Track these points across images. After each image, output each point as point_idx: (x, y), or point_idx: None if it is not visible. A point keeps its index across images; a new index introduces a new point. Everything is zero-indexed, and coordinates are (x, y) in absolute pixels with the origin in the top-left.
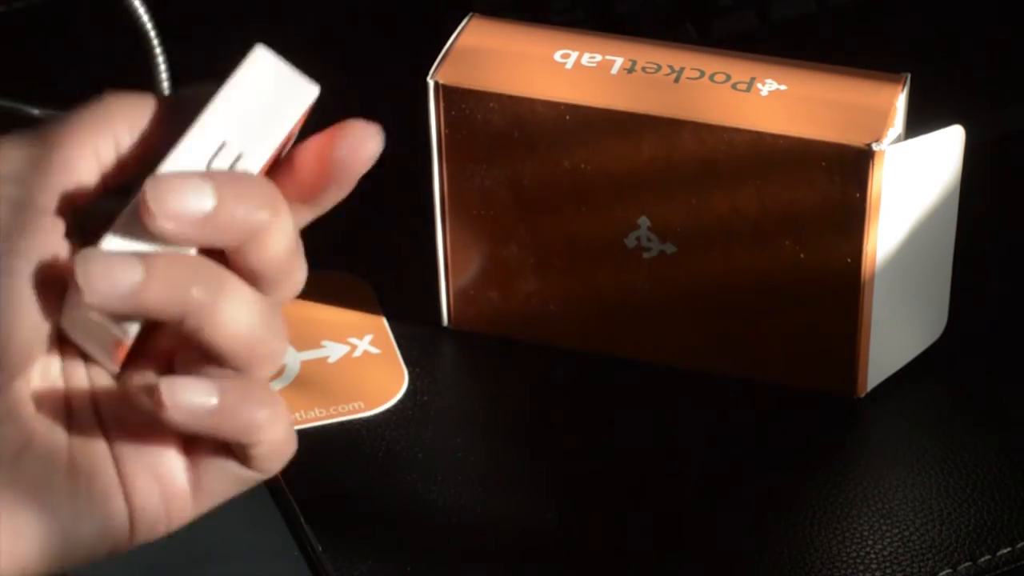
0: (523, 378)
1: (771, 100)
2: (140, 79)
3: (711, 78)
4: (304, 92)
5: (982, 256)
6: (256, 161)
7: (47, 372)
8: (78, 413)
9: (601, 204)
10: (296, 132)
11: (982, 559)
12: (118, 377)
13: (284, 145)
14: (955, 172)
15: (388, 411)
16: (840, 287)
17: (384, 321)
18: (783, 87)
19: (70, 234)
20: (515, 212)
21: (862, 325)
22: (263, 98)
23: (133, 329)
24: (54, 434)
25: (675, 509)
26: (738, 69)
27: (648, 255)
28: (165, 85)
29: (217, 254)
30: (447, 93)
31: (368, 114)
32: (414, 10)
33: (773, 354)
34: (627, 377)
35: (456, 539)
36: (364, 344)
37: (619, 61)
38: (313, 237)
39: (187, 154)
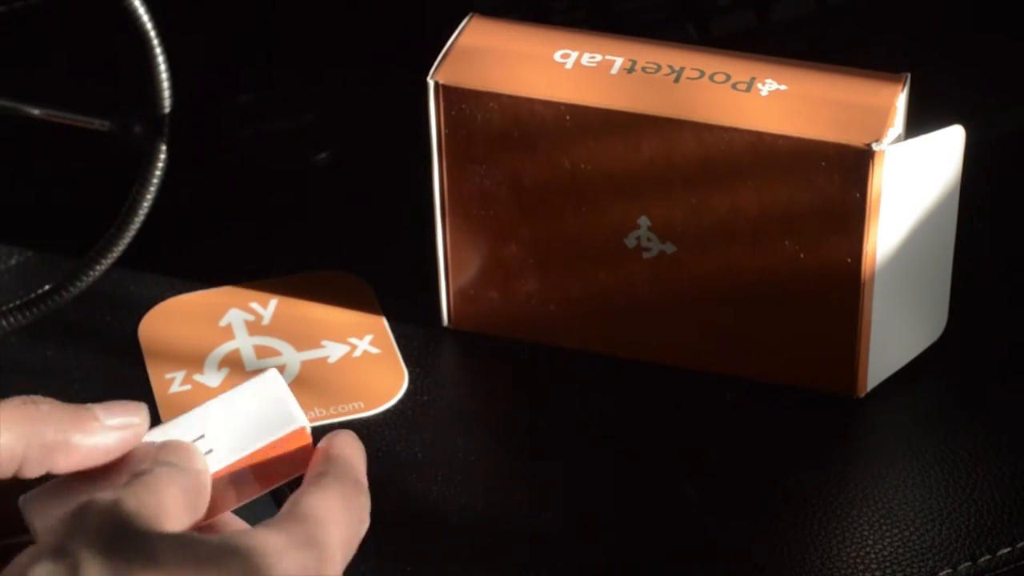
0: (523, 378)
1: (771, 100)
2: (140, 79)
3: (711, 78)
4: (291, 421)
5: (982, 256)
6: (218, 460)
7: None
8: None
9: (601, 204)
10: (287, 457)
11: (982, 559)
12: None
13: (258, 459)
14: (955, 172)
15: (388, 411)
16: (840, 287)
17: (384, 321)
18: (783, 87)
19: None
20: (515, 212)
21: (862, 325)
22: (254, 413)
23: None
24: None
25: (675, 509)
26: (738, 69)
27: (648, 255)
28: (165, 85)
29: None
30: (447, 93)
31: (368, 114)
32: (414, 10)
33: (773, 354)
34: (627, 377)
35: (456, 539)
36: (364, 344)
37: (619, 61)
38: (313, 237)
39: (162, 435)
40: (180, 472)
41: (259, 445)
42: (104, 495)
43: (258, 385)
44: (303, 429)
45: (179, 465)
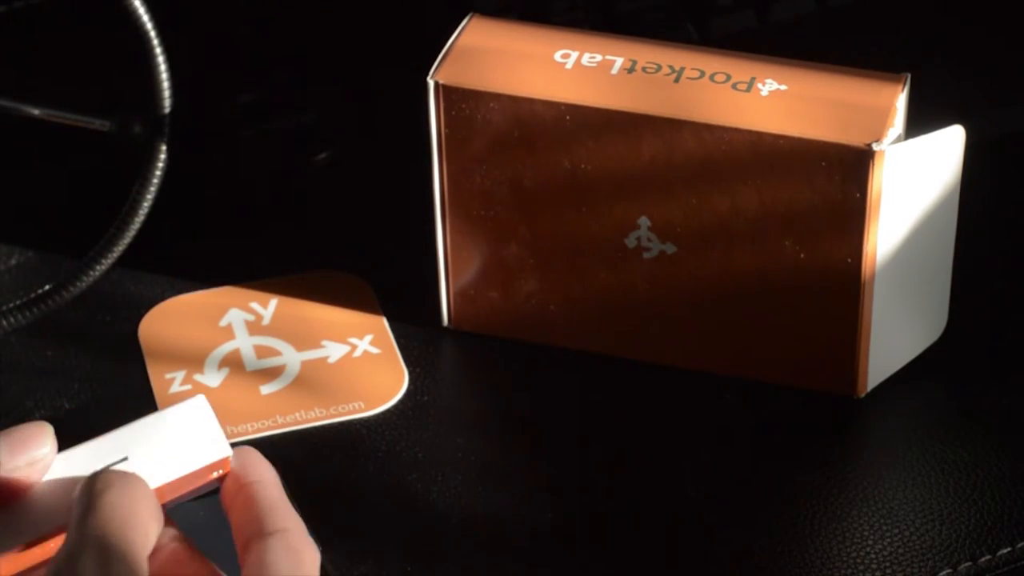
0: (523, 378)
1: (771, 100)
2: (140, 79)
3: (711, 78)
4: (216, 450)
5: (982, 256)
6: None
7: None
8: None
9: (601, 204)
10: (204, 481)
11: (982, 559)
12: None
13: (181, 485)
14: (955, 172)
15: (388, 411)
16: (840, 287)
17: (384, 321)
18: (783, 87)
19: None
20: (515, 212)
21: (862, 325)
22: (180, 438)
23: None
24: None
25: (675, 509)
26: (738, 69)
27: (648, 255)
28: (165, 85)
29: None
30: (447, 93)
31: (368, 114)
32: (414, 10)
33: (773, 354)
34: (627, 377)
35: (456, 539)
36: (364, 344)
37: (619, 61)
38: (313, 237)
39: (85, 453)
40: (138, 481)
41: (183, 472)
42: (77, 531)
43: (184, 410)
44: (227, 459)
45: (130, 478)
